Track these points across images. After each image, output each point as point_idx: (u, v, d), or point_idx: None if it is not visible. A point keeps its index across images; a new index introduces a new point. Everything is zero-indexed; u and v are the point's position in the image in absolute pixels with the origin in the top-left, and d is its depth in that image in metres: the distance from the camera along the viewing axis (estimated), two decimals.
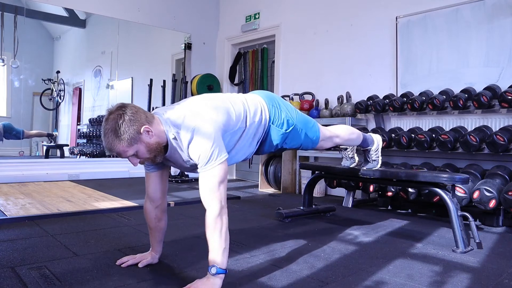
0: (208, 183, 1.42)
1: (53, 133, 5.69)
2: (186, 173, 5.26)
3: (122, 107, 1.41)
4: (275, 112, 1.78)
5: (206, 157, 1.41)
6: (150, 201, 1.68)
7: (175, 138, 1.46)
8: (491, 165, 2.91)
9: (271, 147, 1.85)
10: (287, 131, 1.81)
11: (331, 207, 3.06)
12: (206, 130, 1.43)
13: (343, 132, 2.17)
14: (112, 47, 5.75)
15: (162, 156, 1.51)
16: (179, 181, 4.96)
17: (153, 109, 5.84)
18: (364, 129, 3.64)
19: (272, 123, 1.77)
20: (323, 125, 2.13)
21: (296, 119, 1.86)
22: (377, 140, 2.37)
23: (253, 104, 1.72)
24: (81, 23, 5.95)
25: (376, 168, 2.43)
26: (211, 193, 1.41)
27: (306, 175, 4.01)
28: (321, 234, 2.41)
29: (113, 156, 5.75)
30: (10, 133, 5.11)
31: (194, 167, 1.54)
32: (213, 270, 1.37)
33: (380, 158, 2.42)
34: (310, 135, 1.95)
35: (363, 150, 2.41)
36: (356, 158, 2.52)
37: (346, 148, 2.51)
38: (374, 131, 3.51)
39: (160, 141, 1.46)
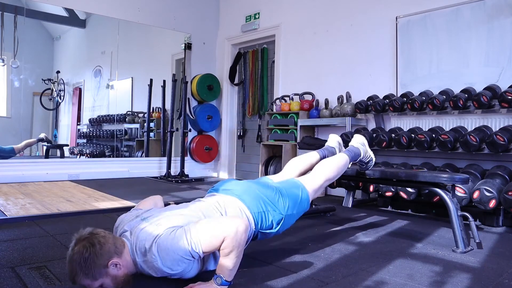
0: (211, 244, 1.39)
1: (41, 135, 5.60)
2: (186, 173, 5.26)
3: (90, 238, 1.33)
4: (261, 218, 1.67)
5: (187, 246, 1.36)
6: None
7: (142, 266, 1.43)
8: (491, 165, 2.91)
9: (264, 238, 1.78)
10: (277, 228, 1.72)
11: (331, 207, 3.06)
12: (173, 239, 1.37)
13: (330, 173, 2.03)
14: (112, 47, 5.74)
15: (129, 286, 1.42)
16: (179, 181, 4.95)
17: (153, 109, 5.85)
18: (364, 129, 3.64)
19: (260, 229, 1.68)
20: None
21: (285, 209, 1.74)
22: (361, 144, 2.27)
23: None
24: (81, 23, 5.94)
25: (372, 165, 2.39)
26: (218, 240, 1.38)
27: None
28: (321, 234, 2.41)
29: (113, 156, 5.76)
30: (2, 153, 5.01)
31: (178, 276, 1.45)
32: (219, 281, 1.39)
33: (371, 154, 2.34)
34: (302, 209, 1.84)
35: (354, 163, 2.31)
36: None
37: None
38: (373, 131, 3.52)
39: (129, 271, 1.41)
